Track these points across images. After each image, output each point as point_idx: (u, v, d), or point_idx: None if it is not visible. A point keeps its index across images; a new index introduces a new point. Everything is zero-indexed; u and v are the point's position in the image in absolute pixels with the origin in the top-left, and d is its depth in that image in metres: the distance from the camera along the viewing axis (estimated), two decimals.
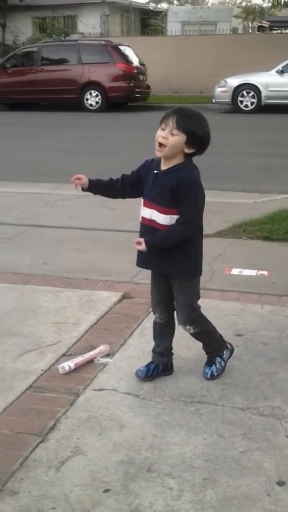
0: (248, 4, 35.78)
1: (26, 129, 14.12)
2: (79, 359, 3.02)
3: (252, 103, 17.03)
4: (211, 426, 2.54)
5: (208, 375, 2.89)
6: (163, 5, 41.65)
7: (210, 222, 5.40)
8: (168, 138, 2.57)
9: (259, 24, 35.17)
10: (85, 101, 17.99)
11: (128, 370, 2.97)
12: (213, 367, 2.90)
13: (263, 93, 16.85)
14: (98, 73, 17.70)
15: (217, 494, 2.14)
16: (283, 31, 32.25)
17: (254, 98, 16.98)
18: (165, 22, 31.58)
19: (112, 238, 5.22)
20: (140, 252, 2.73)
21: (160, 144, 2.59)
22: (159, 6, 41.19)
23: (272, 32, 33.78)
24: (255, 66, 17.92)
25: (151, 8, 38.61)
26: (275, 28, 34.84)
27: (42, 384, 2.86)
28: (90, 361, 3.04)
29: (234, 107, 17.19)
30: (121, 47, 18.43)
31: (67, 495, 2.15)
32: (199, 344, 2.97)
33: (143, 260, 2.78)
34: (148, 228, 2.70)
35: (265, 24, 35.45)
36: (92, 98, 17.96)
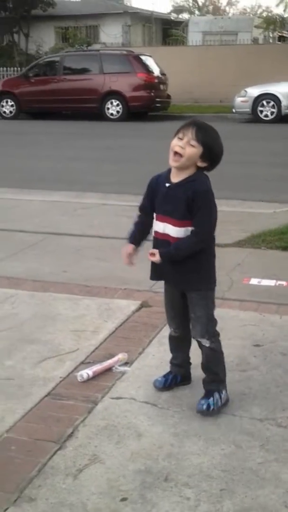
0: (269, 14, 35.82)
1: (48, 138, 14.24)
2: (98, 367, 3.03)
3: (272, 113, 17.00)
4: (229, 436, 2.53)
5: (204, 407, 2.66)
6: (185, 15, 41.93)
7: (229, 232, 5.41)
8: (185, 148, 2.55)
9: (280, 34, 35.10)
10: (106, 110, 18.12)
11: (146, 379, 2.97)
12: (210, 400, 2.68)
13: (283, 103, 16.81)
14: (119, 82, 17.83)
15: (235, 505, 2.13)
16: None
17: (274, 108, 16.95)
18: (186, 32, 31.70)
19: None
20: (154, 266, 2.72)
21: (176, 153, 2.57)
22: (180, 16, 41.49)
23: None
24: (276, 76, 17.90)
25: (172, 18, 38.88)
26: None
27: (61, 391, 2.88)
28: (109, 369, 3.05)
29: (254, 117, 17.17)
30: (143, 57, 18.54)
31: (84, 503, 2.16)
32: None
33: (157, 273, 2.76)
34: (161, 242, 2.68)
35: (286, 34, 35.37)
36: (113, 108, 18.09)
